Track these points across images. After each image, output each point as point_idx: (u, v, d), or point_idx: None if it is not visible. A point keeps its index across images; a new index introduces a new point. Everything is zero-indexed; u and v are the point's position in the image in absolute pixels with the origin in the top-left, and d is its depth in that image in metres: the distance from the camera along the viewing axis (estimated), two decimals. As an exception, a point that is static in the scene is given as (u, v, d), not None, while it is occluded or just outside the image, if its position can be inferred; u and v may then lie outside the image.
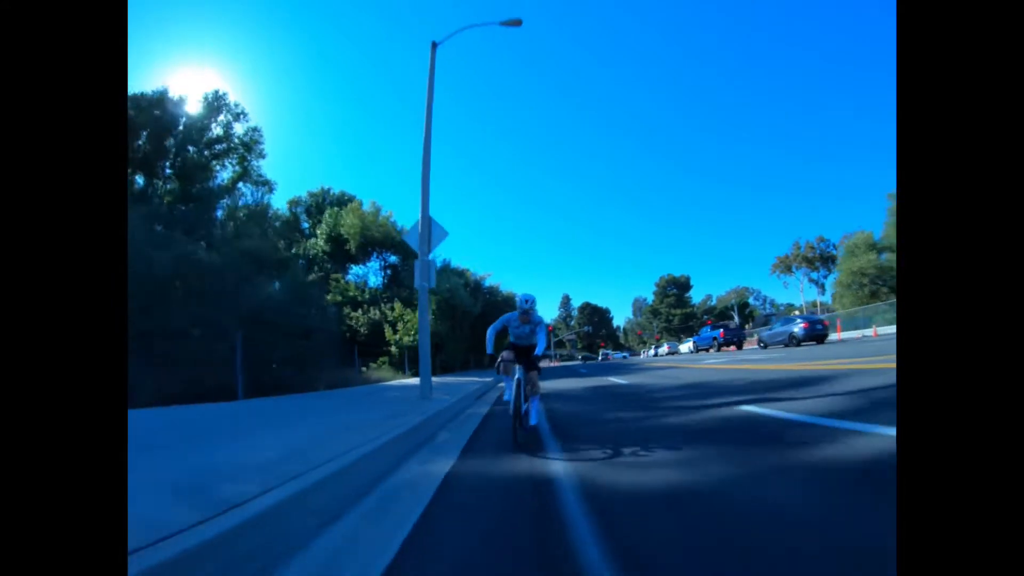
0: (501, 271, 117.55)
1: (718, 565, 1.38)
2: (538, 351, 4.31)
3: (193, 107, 20.56)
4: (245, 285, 12.26)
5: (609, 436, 3.58)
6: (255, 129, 21.15)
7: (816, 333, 17.14)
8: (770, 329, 20.32)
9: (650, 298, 78.87)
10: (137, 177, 19.73)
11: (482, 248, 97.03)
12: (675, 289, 76.71)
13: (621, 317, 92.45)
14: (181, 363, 9.63)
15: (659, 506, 1.93)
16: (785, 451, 2.62)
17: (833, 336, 21.87)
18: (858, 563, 1.31)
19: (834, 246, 60.09)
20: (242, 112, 20.80)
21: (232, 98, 21.45)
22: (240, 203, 21.21)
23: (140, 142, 20.00)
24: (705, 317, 66.43)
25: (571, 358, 67.47)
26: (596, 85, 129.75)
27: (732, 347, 23.89)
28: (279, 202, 33.56)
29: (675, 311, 75.24)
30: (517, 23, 9.87)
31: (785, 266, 63.54)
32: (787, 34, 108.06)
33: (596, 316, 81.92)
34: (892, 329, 19.80)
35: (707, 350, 25.33)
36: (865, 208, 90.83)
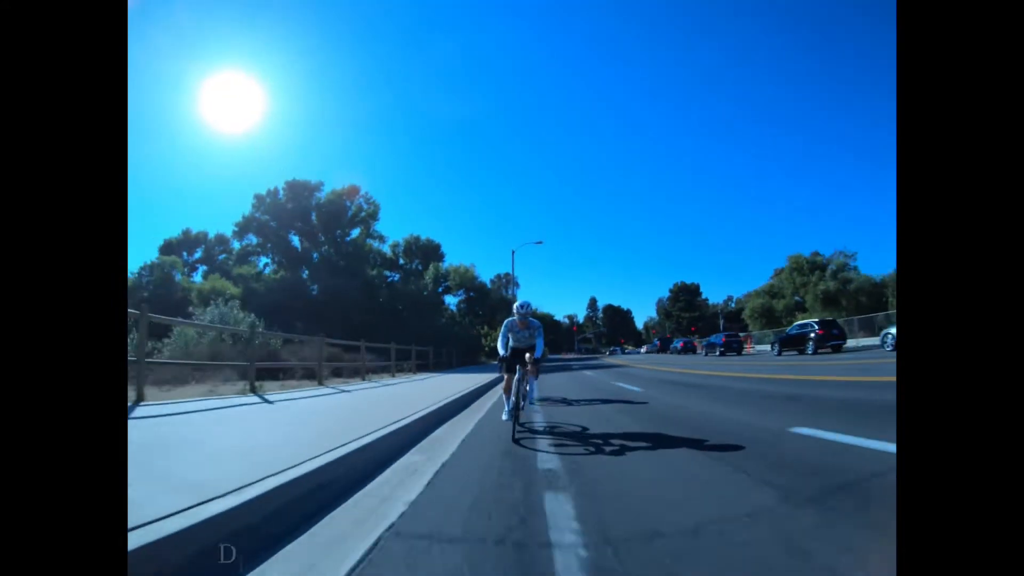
0: (535, 276, 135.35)
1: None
2: (537, 354, 4.83)
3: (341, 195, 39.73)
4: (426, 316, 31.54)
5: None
6: (376, 205, 40.08)
7: (689, 348, 34.76)
8: (674, 343, 38.26)
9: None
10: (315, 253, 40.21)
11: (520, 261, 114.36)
12: (686, 295, 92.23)
13: (646, 315, 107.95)
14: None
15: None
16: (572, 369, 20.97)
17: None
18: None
19: (826, 260, 74.54)
20: (371, 199, 39.82)
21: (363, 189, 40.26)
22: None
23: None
24: (718, 321, 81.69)
25: (596, 350, 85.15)
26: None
27: (663, 352, 41.57)
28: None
29: (684, 314, 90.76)
30: (539, 242, 28.50)
31: (780, 277, 78.31)
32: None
33: (618, 316, 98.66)
34: (762, 347, 34.91)
35: (649, 353, 43.58)
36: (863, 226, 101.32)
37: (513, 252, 27.27)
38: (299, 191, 39.26)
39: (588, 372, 17.76)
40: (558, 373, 17.83)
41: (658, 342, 43.40)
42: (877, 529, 1.84)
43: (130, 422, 3.96)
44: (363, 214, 40.07)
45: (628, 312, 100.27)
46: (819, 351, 17.77)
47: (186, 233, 48.18)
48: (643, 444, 3.88)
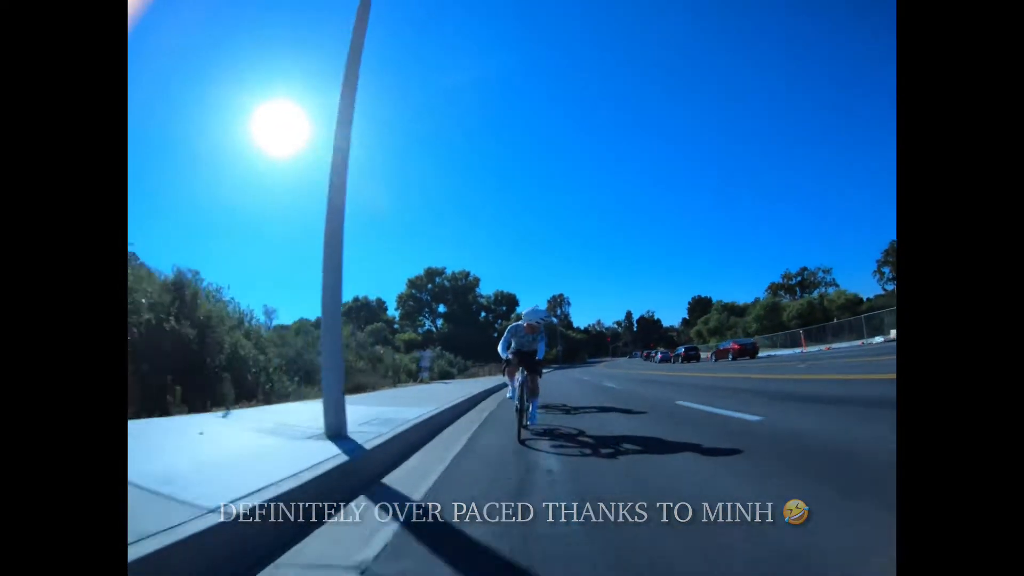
0: (585, 291, 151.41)
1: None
2: (539, 356, 4.86)
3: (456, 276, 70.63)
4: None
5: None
6: (477, 278, 68.89)
7: (660, 357, 59.11)
8: (641, 352, 63.17)
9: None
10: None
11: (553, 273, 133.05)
12: (700, 307, 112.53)
13: (678, 319, 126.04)
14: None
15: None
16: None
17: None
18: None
19: (810, 274, 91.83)
20: (475, 276, 68.75)
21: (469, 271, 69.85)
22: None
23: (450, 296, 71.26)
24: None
25: (629, 353, 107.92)
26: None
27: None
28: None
29: (700, 321, 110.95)
30: (555, 315, 55.60)
31: (773, 291, 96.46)
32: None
33: (649, 325, 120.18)
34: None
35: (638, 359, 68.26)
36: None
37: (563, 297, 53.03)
38: (432, 273, 69.80)
39: (575, 371, 40.61)
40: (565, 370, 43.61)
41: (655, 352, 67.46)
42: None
43: (416, 387, 28.30)
44: (471, 284, 69.58)
45: (659, 321, 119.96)
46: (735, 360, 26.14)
47: (355, 299, 77.05)
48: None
